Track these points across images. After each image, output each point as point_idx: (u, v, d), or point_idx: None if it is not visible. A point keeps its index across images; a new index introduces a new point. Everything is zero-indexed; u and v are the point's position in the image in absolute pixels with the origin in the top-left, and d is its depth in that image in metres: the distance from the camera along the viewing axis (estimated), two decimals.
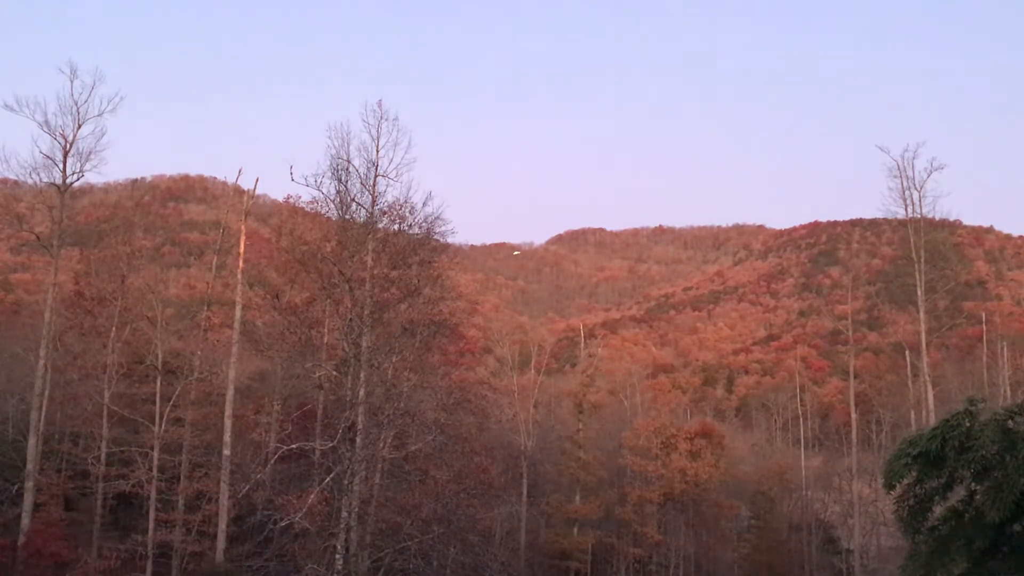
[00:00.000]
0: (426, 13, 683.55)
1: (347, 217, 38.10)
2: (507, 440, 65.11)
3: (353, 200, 37.62)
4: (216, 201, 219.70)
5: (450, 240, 42.99)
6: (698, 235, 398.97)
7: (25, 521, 38.68)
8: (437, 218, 38.12)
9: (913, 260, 50.73)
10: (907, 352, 62.15)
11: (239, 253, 44.80)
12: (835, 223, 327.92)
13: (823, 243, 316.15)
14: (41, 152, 41.21)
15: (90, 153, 42.08)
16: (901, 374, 67.21)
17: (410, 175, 40.08)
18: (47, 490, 41.79)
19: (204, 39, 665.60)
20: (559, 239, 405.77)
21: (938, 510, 18.61)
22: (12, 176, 42.67)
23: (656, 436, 67.67)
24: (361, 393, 34.97)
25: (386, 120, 37.29)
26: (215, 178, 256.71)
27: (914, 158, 50.37)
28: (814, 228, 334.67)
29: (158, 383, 42.62)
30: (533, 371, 75.41)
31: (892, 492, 19.24)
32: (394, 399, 35.58)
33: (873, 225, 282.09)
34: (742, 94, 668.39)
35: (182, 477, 41.95)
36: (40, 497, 40.70)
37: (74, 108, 41.42)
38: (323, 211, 40.32)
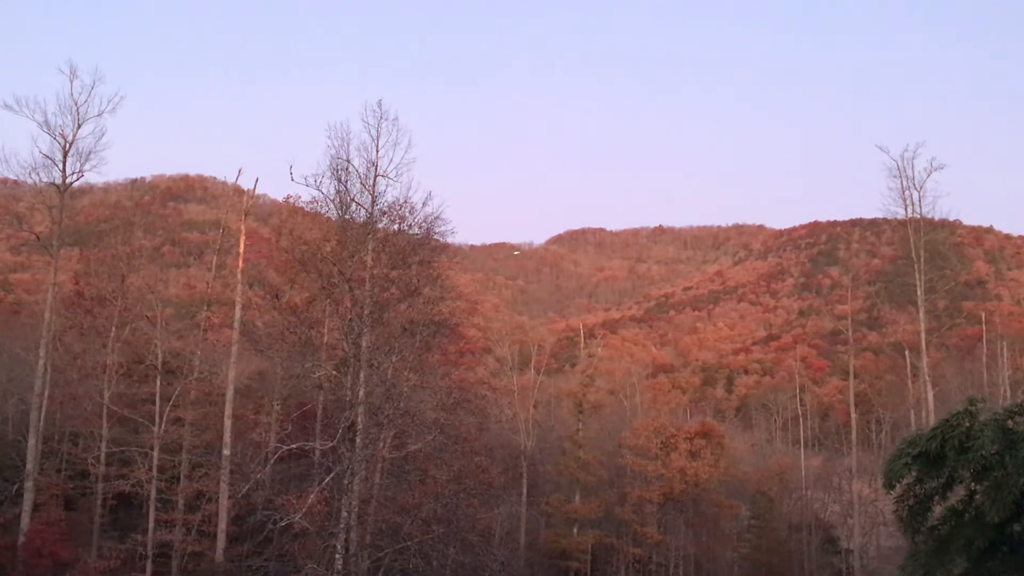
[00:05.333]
0: (426, 13, 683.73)
1: (347, 217, 38.10)
2: (507, 440, 65.13)
3: (353, 200, 37.64)
4: (216, 201, 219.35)
5: (450, 240, 43.02)
6: (698, 235, 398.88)
7: (25, 521, 38.69)
8: (437, 218, 38.16)
9: (913, 260, 50.75)
10: (907, 352, 62.20)
11: (239, 253, 44.82)
12: (835, 223, 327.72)
13: (823, 243, 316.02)
14: (41, 152, 41.36)
15: (90, 153, 42.23)
16: (901, 374, 67.26)
17: (410, 175, 40.07)
18: (47, 490, 41.80)
19: (204, 39, 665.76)
20: (559, 239, 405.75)
21: (938, 510, 18.62)
22: (12, 176, 42.85)
23: (656, 436, 67.62)
24: (361, 393, 34.96)
25: (386, 120, 37.32)
26: (215, 178, 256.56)
27: (914, 158, 50.48)
28: (814, 228, 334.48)
29: (158, 383, 42.62)
30: (533, 371, 75.45)
31: (892, 492, 19.26)
32: (394, 399, 35.55)
33: (873, 225, 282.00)
34: (742, 94, 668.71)
35: (182, 477, 41.97)
36: (40, 497, 40.71)
37: (74, 108, 41.54)
38: (323, 211, 40.33)
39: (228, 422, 41.27)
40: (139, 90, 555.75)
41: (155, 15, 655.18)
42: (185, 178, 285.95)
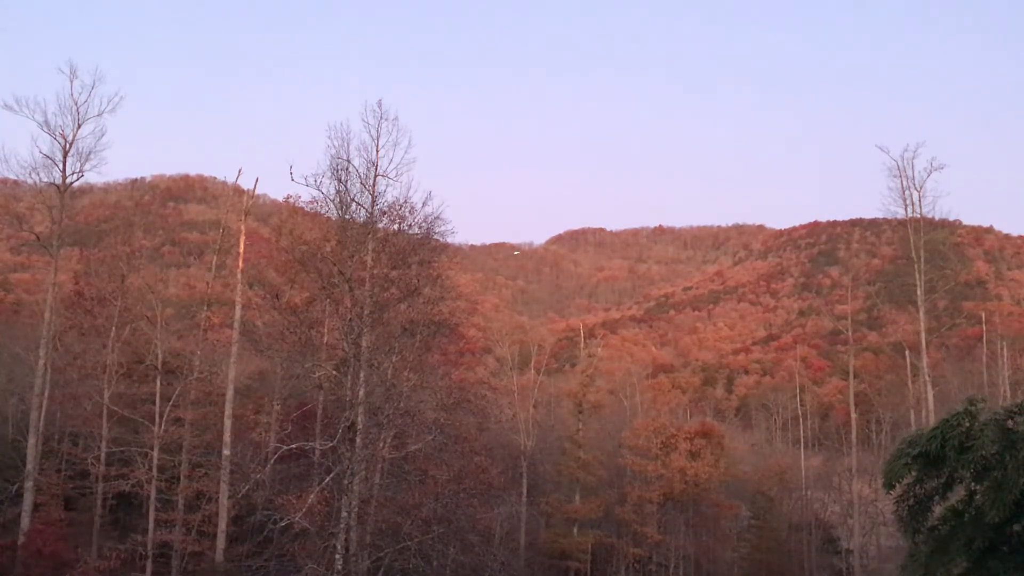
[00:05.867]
0: (427, 13, 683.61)
1: (347, 217, 38.07)
2: (507, 440, 65.11)
3: (353, 200, 37.62)
4: (216, 201, 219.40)
5: (450, 240, 43.02)
6: (698, 235, 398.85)
7: (25, 521, 38.68)
8: (437, 218, 38.16)
9: (913, 260, 50.76)
10: (907, 352, 62.16)
11: (239, 253, 44.82)
12: (835, 223, 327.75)
13: (823, 243, 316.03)
14: (41, 152, 41.31)
15: (90, 153, 42.19)
16: (901, 374, 67.21)
17: (410, 175, 40.06)
18: (47, 490, 41.79)
19: (204, 39, 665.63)
20: (559, 239, 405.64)
21: (938, 510, 18.63)
22: (12, 176, 42.79)
23: (656, 436, 67.65)
24: (361, 393, 34.96)
25: (386, 120, 37.29)
26: (215, 178, 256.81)
27: (914, 158, 50.46)
28: (814, 228, 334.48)
29: (158, 383, 42.62)
30: (533, 371, 75.42)
31: (892, 492, 19.27)
32: (394, 399, 35.56)
33: (873, 225, 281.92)
34: (742, 94, 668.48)
35: (182, 477, 41.94)
36: (40, 497, 40.71)
37: (74, 108, 41.50)
38: (323, 211, 40.31)
39: (228, 422, 41.26)
40: (139, 90, 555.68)
41: (155, 15, 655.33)
42: (185, 178, 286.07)
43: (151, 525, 40.71)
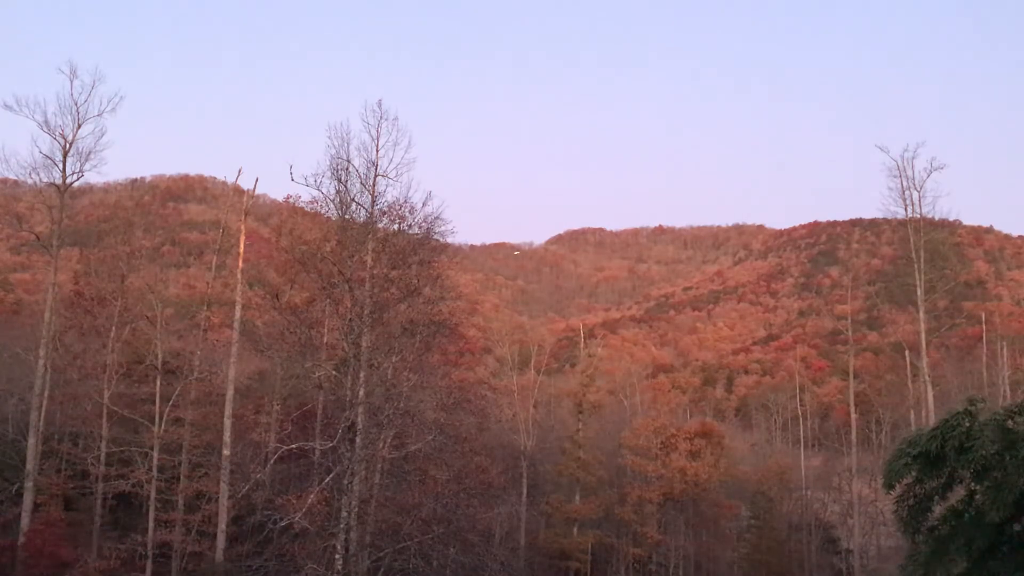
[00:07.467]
0: (427, 13, 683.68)
1: (347, 217, 38.06)
2: (507, 440, 65.14)
3: (353, 200, 37.61)
4: (216, 201, 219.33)
5: (450, 240, 42.97)
6: (698, 235, 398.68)
7: (25, 521, 38.68)
8: (437, 218, 38.14)
9: (913, 260, 50.76)
10: (907, 352, 62.12)
11: (239, 253, 44.81)
12: (835, 223, 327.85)
13: (823, 243, 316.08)
14: (41, 152, 41.33)
15: (90, 153, 42.20)
16: (901, 374, 67.18)
17: (410, 175, 40.00)
18: (47, 490, 41.78)
19: (204, 39, 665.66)
20: (559, 239, 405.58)
21: (938, 510, 18.63)
22: (12, 176, 42.78)
23: (656, 436, 67.67)
24: (361, 393, 34.95)
25: (386, 120, 37.27)
26: (215, 178, 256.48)
27: (914, 158, 50.48)
28: (814, 228, 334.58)
29: (158, 383, 42.62)
30: (533, 371, 75.42)
31: (892, 492, 19.27)
32: (394, 399, 35.56)
33: (873, 225, 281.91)
34: (742, 93, 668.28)
35: (182, 477, 41.94)
36: (40, 497, 40.71)
37: (74, 108, 41.51)
38: (323, 211, 40.34)
39: (228, 422, 41.25)
40: (139, 90, 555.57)
41: (155, 15, 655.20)
42: (185, 178, 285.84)
43: (151, 525, 40.71)
